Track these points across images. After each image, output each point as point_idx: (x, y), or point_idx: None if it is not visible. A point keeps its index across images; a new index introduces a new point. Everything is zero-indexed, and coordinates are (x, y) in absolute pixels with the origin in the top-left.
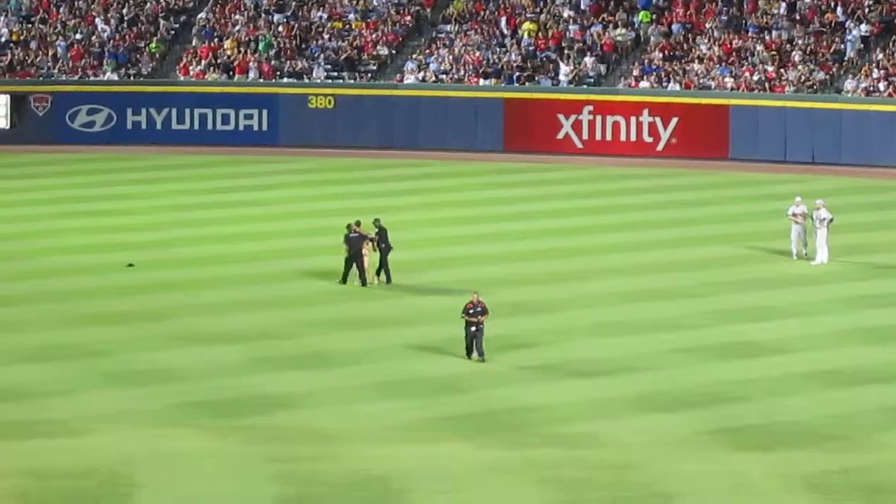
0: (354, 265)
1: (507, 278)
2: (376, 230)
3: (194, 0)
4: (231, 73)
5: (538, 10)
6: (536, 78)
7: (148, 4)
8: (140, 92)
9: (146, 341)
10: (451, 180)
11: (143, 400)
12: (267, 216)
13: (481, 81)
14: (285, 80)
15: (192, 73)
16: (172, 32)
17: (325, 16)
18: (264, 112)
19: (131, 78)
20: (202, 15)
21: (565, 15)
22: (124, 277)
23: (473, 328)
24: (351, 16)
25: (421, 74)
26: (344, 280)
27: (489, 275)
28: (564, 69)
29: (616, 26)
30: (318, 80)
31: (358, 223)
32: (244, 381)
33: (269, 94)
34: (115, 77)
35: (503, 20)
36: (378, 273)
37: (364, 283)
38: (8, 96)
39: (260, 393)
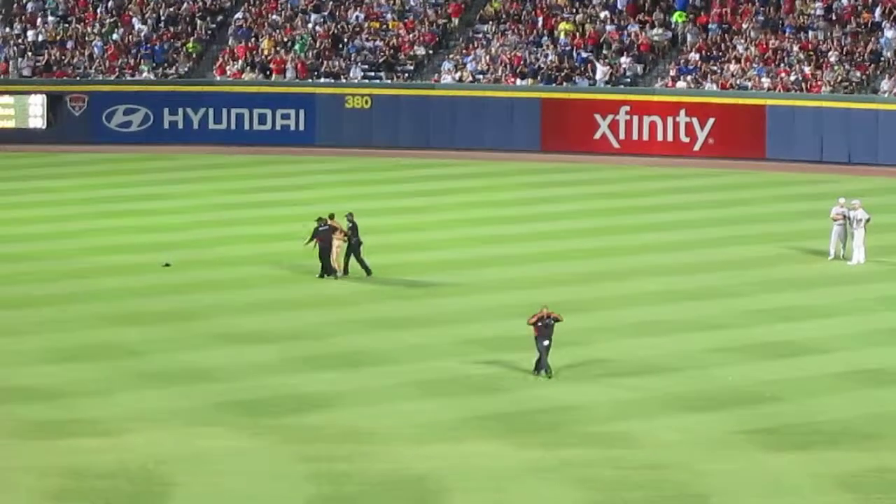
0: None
1: (543, 278)
2: (349, 224)
3: (231, 0)
4: (268, 72)
5: (574, 10)
6: (573, 78)
7: (185, 4)
8: (177, 92)
9: (182, 341)
10: (487, 180)
11: (178, 399)
12: (303, 216)
13: (518, 81)
14: (322, 80)
15: (228, 72)
16: (209, 32)
17: (361, 16)
18: (301, 112)
19: (168, 78)
20: (239, 15)
21: (602, 15)
22: (160, 277)
23: (546, 342)
24: (388, 16)
25: (458, 74)
26: (321, 274)
27: (526, 275)
28: (601, 69)
29: (653, 26)
30: (355, 81)
31: (331, 216)
32: (280, 381)
33: (306, 94)
34: (151, 77)
35: (540, 20)
36: (346, 266)
37: (334, 274)
38: (44, 96)
39: (295, 392)
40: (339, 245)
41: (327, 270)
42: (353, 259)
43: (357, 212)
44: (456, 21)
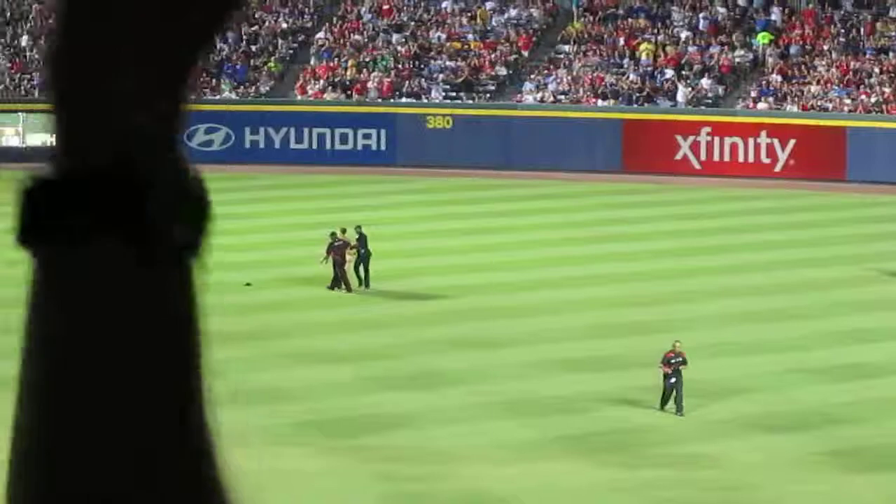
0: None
1: (622, 299)
2: (357, 236)
3: (313, 20)
4: (349, 92)
5: (656, 30)
6: (654, 99)
7: (266, 24)
8: (258, 111)
9: (260, 360)
10: (567, 201)
11: (255, 419)
12: (382, 236)
13: (599, 102)
14: (403, 99)
15: (310, 92)
16: (291, 52)
17: (443, 36)
18: (382, 132)
19: (249, 97)
20: (320, 34)
21: (683, 36)
22: (240, 297)
23: (673, 379)
24: (469, 36)
25: (539, 95)
26: (332, 286)
27: (604, 295)
28: (682, 90)
29: (734, 47)
30: (436, 101)
31: (343, 231)
32: (357, 401)
33: (387, 114)
34: (233, 96)
35: (621, 41)
36: (361, 278)
37: (349, 289)
38: None
39: (372, 412)
40: (349, 260)
41: (339, 283)
42: (358, 269)
43: (437, 232)
44: (527, 53)
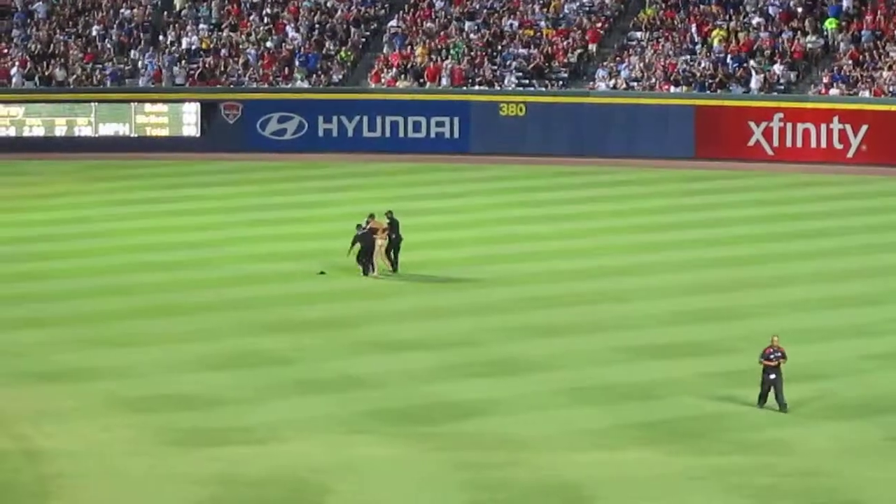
0: (368, 256)
1: (696, 285)
2: (388, 221)
3: (385, 8)
4: (422, 80)
5: (728, 17)
6: (727, 85)
7: (339, 12)
8: (331, 100)
9: (336, 349)
10: (640, 188)
11: (332, 407)
12: (457, 224)
13: (672, 89)
14: (476, 87)
15: (383, 80)
16: (363, 40)
17: (515, 23)
18: (455, 120)
19: (322, 86)
20: (393, 23)
21: (755, 22)
22: (314, 285)
23: (772, 375)
24: (542, 23)
25: (612, 82)
26: (365, 272)
27: (678, 282)
28: (755, 77)
29: (806, 33)
30: (509, 88)
31: (372, 216)
32: (433, 389)
33: (461, 102)
34: (305, 85)
35: (693, 27)
36: (393, 262)
37: (371, 270)
38: (198, 104)
39: (448, 400)
40: (381, 244)
41: (367, 269)
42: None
43: (510, 220)
44: (594, 47)
